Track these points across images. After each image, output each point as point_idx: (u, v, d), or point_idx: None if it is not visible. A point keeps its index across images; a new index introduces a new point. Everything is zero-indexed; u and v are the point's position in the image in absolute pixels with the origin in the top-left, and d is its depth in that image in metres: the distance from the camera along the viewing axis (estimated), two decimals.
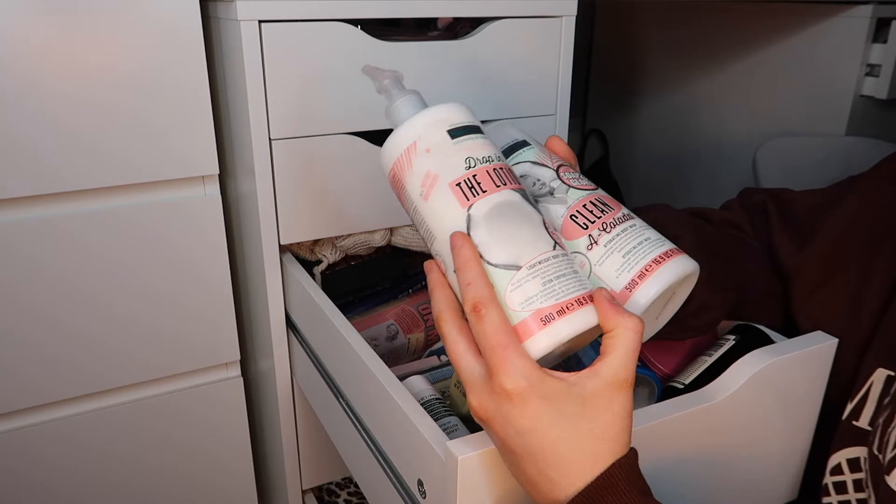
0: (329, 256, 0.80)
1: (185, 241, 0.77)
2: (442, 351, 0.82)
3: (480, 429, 0.45)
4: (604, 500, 0.40)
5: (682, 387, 0.60)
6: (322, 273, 0.81)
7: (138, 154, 0.71)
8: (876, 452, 0.53)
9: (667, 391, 0.61)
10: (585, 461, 0.41)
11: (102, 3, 0.66)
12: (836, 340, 0.58)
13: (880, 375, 0.56)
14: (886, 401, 0.54)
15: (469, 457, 0.43)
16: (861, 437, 0.57)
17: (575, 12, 0.82)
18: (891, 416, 0.52)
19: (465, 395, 0.60)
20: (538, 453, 0.41)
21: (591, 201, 0.51)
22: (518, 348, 0.41)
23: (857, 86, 1.13)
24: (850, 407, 0.58)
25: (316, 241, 0.81)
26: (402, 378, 0.56)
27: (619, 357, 0.41)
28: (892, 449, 0.50)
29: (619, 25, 1.60)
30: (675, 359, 0.66)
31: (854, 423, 0.57)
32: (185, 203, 0.76)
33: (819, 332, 0.59)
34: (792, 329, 0.64)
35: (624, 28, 1.58)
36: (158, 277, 0.77)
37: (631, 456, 0.42)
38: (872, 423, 0.56)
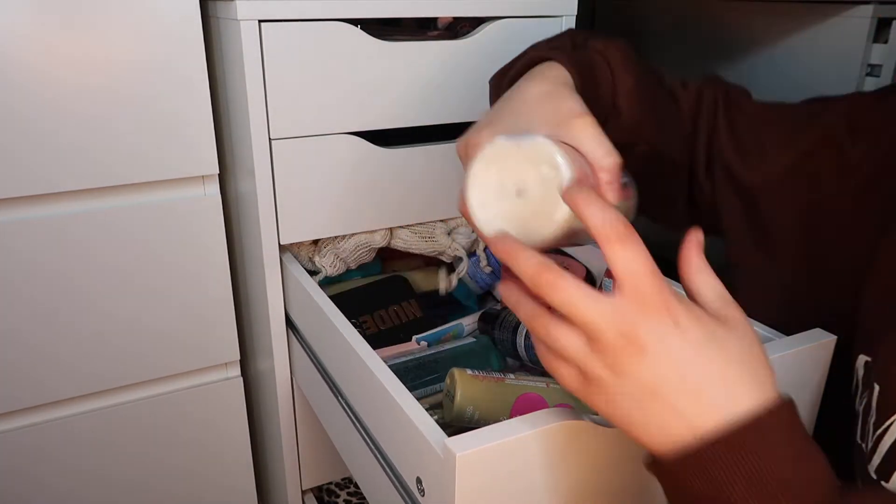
0: (328, 269, 0.79)
1: (185, 241, 0.77)
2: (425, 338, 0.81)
3: (474, 428, 0.45)
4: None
5: None
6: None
7: (138, 154, 0.72)
8: (859, 441, 0.52)
9: None
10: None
11: (102, 3, 0.66)
12: (834, 338, 0.57)
13: (860, 362, 0.55)
14: (864, 389, 0.53)
15: (467, 454, 0.43)
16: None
17: (575, 12, 0.82)
18: (868, 405, 0.51)
19: (452, 401, 0.60)
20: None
21: None
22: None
23: (857, 86, 1.13)
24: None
25: (317, 250, 0.80)
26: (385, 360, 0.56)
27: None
28: (872, 438, 0.49)
29: (619, 25, 1.60)
30: None
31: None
32: (185, 203, 0.76)
33: (818, 330, 0.58)
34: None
35: (624, 28, 1.58)
36: (158, 277, 0.77)
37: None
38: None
